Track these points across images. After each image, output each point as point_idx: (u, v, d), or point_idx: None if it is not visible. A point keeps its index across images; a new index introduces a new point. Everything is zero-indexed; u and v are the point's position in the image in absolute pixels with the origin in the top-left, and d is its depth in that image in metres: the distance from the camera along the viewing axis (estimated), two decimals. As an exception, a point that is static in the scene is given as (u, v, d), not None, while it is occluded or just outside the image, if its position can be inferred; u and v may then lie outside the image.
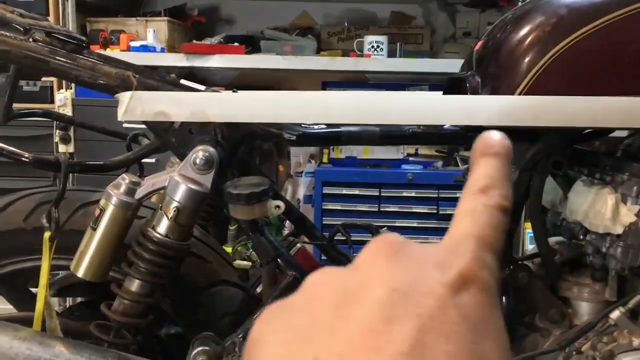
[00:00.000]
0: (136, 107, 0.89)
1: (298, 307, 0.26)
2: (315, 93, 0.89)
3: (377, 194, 2.39)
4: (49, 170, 0.89)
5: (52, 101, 2.38)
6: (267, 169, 2.80)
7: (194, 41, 2.54)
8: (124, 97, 0.89)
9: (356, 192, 2.41)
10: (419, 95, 1.03)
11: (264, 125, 0.94)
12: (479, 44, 1.02)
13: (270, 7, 2.91)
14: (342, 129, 0.96)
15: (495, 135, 0.30)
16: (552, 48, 0.89)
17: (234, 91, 1.11)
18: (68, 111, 2.33)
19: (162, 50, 2.46)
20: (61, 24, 2.35)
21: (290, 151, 2.77)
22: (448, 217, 2.34)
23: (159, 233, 0.88)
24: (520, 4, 2.24)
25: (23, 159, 0.90)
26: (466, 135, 0.96)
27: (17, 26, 0.91)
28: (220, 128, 0.92)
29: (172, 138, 0.93)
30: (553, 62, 0.89)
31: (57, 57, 0.91)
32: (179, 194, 0.87)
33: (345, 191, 2.41)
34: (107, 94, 0.93)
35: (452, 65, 2.53)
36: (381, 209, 2.40)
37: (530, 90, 0.89)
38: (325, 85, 2.84)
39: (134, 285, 0.89)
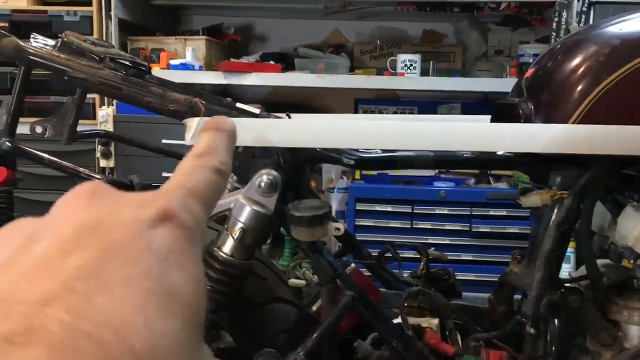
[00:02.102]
0: (203, 132, 0.93)
1: None
2: (374, 121, 0.92)
3: (410, 210, 2.41)
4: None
5: (94, 117, 2.45)
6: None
7: (231, 59, 2.60)
8: (192, 122, 0.94)
9: (389, 208, 2.43)
10: (476, 124, 1.06)
11: (323, 149, 0.98)
12: (530, 71, 1.05)
13: (302, 25, 2.97)
14: (398, 153, 0.99)
15: (222, 117, 0.33)
16: (605, 78, 0.92)
17: (288, 115, 1.16)
18: (110, 127, 2.40)
19: (200, 68, 2.52)
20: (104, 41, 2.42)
21: (322, 167, 2.81)
22: (481, 235, 2.36)
23: (224, 253, 0.92)
24: (554, 25, 2.27)
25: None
26: (519, 160, 0.99)
27: (93, 55, 0.96)
28: (282, 152, 0.96)
29: (235, 161, 0.97)
30: (606, 92, 0.92)
31: (130, 85, 0.96)
32: (245, 215, 0.91)
33: (378, 207, 2.43)
34: (175, 118, 0.98)
35: (484, 84, 2.57)
36: (414, 226, 2.42)
37: (584, 119, 0.92)
38: (357, 103, 2.88)
39: (200, 302, 0.93)
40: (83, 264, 0.23)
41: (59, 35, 1.02)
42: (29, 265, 0.23)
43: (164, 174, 2.27)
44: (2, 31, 0.99)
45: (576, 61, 0.95)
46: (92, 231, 0.24)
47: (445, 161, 1.01)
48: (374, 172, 2.73)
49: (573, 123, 0.93)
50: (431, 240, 2.39)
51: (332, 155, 0.98)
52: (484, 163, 1.04)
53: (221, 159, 0.30)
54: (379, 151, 1.02)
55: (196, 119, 0.94)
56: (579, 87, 0.93)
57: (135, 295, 0.22)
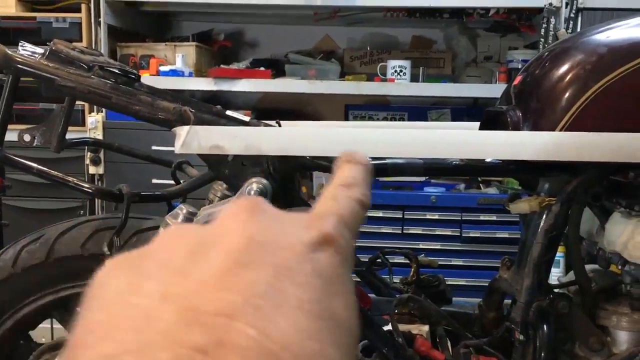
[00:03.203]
0: (193, 140, 0.93)
1: (148, 255, 0.25)
2: (363, 129, 0.93)
3: (401, 216, 2.42)
4: (113, 201, 0.94)
5: (83, 124, 2.44)
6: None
7: (221, 65, 2.60)
8: (182, 131, 0.94)
9: (379, 214, 2.43)
10: (465, 131, 1.07)
11: (313, 157, 0.98)
12: (518, 79, 1.06)
13: (293, 31, 2.97)
14: (388, 161, 1.00)
15: (357, 152, 0.34)
16: (592, 85, 0.93)
17: (278, 123, 1.16)
18: (99, 134, 2.38)
19: (190, 74, 2.52)
20: (92, 49, 2.42)
21: (313, 173, 2.81)
22: (471, 240, 2.37)
23: (214, 261, 0.92)
24: (542, 31, 2.29)
25: (85, 189, 0.94)
26: (508, 167, 1.00)
27: (81, 63, 0.96)
28: (272, 160, 0.96)
29: (225, 170, 0.98)
30: (593, 99, 0.92)
31: (118, 93, 0.95)
32: (234, 224, 0.91)
33: (368, 213, 2.43)
34: (164, 127, 0.98)
35: (473, 89, 2.58)
36: (404, 231, 2.43)
37: (572, 126, 0.93)
38: (348, 108, 2.89)
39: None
40: (259, 280, 0.23)
41: (47, 42, 1.02)
42: (207, 274, 0.23)
43: (154, 181, 2.27)
44: (-10, 40, 0.98)
45: (563, 69, 0.96)
46: (262, 247, 0.24)
47: (435, 168, 1.02)
48: (365, 178, 2.73)
49: (561, 130, 0.93)
50: (422, 245, 2.39)
51: (322, 163, 0.98)
52: (473, 170, 1.04)
53: (364, 192, 0.31)
54: (369, 159, 1.02)
55: (185, 128, 0.94)
56: (567, 95, 0.94)
57: (308, 320, 0.22)
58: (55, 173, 0.98)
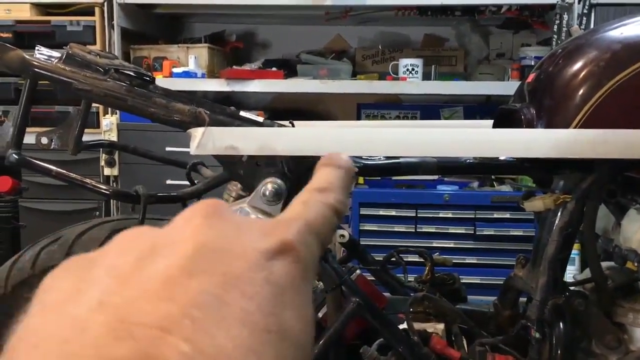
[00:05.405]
0: (208, 142, 0.94)
1: (99, 259, 0.24)
2: (377, 128, 0.93)
3: (414, 214, 2.42)
4: (130, 202, 0.95)
5: (98, 126, 2.46)
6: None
7: (234, 66, 2.61)
8: (197, 132, 0.94)
9: (393, 212, 2.43)
10: (479, 129, 1.07)
11: (327, 157, 0.98)
12: (531, 76, 1.06)
13: (304, 31, 2.98)
14: (402, 160, 1.00)
15: (340, 154, 0.33)
16: (606, 82, 0.92)
17: (291, 124, 1.16)
18: (113, 135, 2.41)
19: (203, 75, 2.53)
20: (107, 51, 2.44)
21: (325, 172, 2.81)
22: (485, 238, 2.36)
23: (230, 261, 0.92)
24: (555, 27, 2.27)
25: (103, 191, 0.96)
26: (522, 165, 0.99)
27: (97, 67, 0.97)
28: (286, 160, 0.97)
29: (240, 170, 0.98)
30: (608, 96, 0.92)
31: (134, 96, 0.97)
32: (250, 224, 0.92)
33: (382, 212, 2.44)
34: (179, 129, 0.99)
35: (486, 87, 2.57)
36: (418, 230, 2.42)
37: (586, 123, 0.93)
38: (360, 107, 2.89)
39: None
40: (203, 290, 0.22)
41: (62, 46, 1.03)
42: (150, 282, 0.22)
43: (168, 182, 2.29)
44: (8, 45, 1.00)
45: (577, 66, 0.96)
46: (214, 254, 0.23)
47: (448, 167, 1.02)
48: (377, 177, 2.74)
49: (575, 127, 0.93)
50: (435, 243, 2.39)
51: (335, 163, 0.99)
52: (487, 168, 1.04)
53: (339, 198, 0.30)
54: (383, 158, 1.03)
55: (200, 129, 0.95)
56: (581, 92, 0.94)
57: (252, 334, 0.22)
58: (74, 176, 0.99)
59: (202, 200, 0.27)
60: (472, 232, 2.37)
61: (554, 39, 2.31)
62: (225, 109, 1.05)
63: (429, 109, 2.85)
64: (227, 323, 0.21)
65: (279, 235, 0.25)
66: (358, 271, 1.08)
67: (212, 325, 0.21)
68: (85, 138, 1.17)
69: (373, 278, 1.25)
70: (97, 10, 2.47)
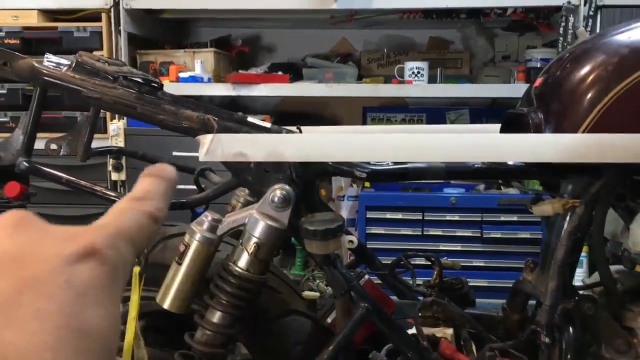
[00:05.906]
0: (217, 148, 0.95)
1: None
2: (385, 134, 0.93)
3: (421, 217, 2.42)
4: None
5: (105, 131, 2.47)
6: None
7: (240, 71, 2.62)
8: (206, 139, 0.95)
9: (399, 216, 2.44)
10: (487, 134, 1.07)
11: (335, 163, 0.99)
12: (539, 80, 1.06)
13: (310, 35, 2.99)
14: (409, 165, 1.00)
15: (162, 165, 0.34)
16: (614, 87, 0.92)
17: (298, 129, 1.17)
18: (121, 140, 2.42)
19: (209, 80, 2.54)
20: (114, 57, 2.45)
21: (332, 176, 2.82)
22: (492, 241, 2.36)
23: (239, 267, 0.93)
24: (561, 29, 2.27)
25: (112, 198, 0.96)
26: (530, 170, 0.99)
27: (106, 74, 0.98)
28: (294, 166, 0.97)
29: (248, 176, 0.99)
30: (616, 100, 0.92)
31: (143, 103, 0.97)
32: (259, 230, 0.92)
33: (388, 215, 2.44)
34: (188, 135, 0.99)
35: (492, 89, 2.57)
36: (424, 233, 2.42)
37: (594, 128, 0.92)
38: (365, 111, 2.89)
39: (216, 316, 0.94)
40: None
41: (69, 52, 1.04)
42: None
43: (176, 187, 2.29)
44: (17, 53, 1.00)
45: (585, 70, 0.96)
46: (13, 261, 0.25)
47: (456, 172, 1.02)
48: (384, 180, 2.74)
49: (583, 132, 0.93)
50: (442, 246, 2.39)
51: (344, 169, 0.99)
52: (495, 173, 1.04)
53: (157, 206, 0.31)
54: (391, 163, 1.03)
55: (209, 136, 0.96)
56: (589, 96, 0.94)
57: (46, 331, 0.23)
58: (84, 182, 1.00)
59: (9, 211, 0.28)
60: (479, 234, 2.37)
61: (560, 41, 2.30)
62: (233, 115, 1.05)
63: (434, 112, 2.85)
64: (20, 322, 0.23)
65: (83, 240, 0.27)
66: (367, 276, 1.08)
67: (3, 326, 0.22)
68: (93, 143, 1.17)
69: (381, 282, 1.25)
70: (103, 16, 2.49)
